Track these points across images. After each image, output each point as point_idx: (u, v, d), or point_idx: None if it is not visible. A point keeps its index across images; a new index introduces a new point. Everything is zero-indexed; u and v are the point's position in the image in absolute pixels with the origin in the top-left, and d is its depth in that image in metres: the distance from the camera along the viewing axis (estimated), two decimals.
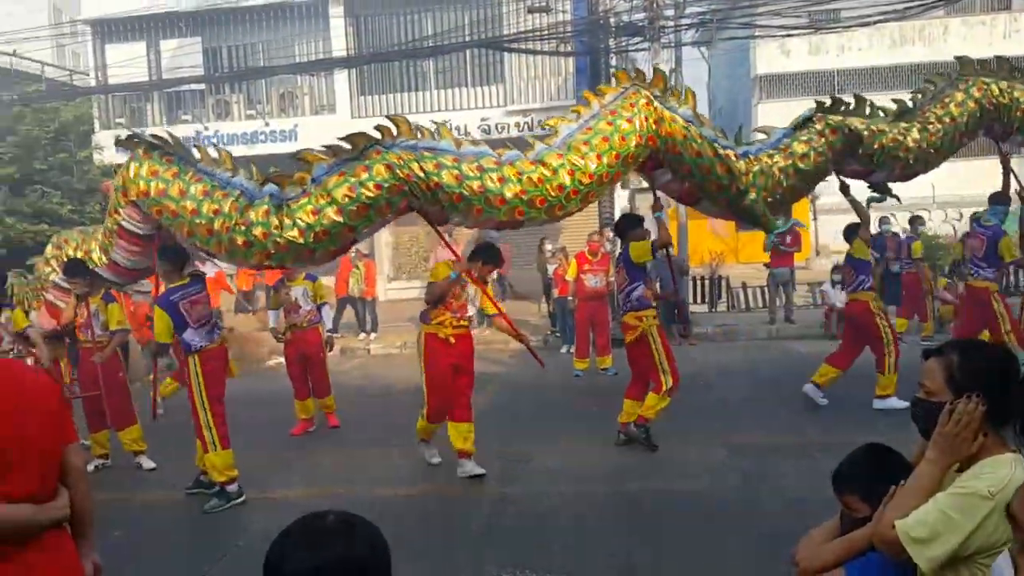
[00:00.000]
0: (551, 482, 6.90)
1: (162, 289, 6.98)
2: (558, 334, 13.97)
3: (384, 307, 16.29)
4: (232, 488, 6.75)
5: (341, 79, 20.40)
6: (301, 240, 5.93)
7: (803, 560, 2.51)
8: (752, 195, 6.92)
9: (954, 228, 21.34)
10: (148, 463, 7.99)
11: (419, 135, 6.21)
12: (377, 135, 6.12)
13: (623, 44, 15.56)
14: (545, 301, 15.35)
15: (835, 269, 14.37)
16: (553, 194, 6.19)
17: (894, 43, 23.98)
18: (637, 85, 6.73)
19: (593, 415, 9.13)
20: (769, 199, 7.09)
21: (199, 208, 6.09)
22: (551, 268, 14.21)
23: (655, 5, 15.00)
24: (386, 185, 5.95)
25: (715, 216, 8.11)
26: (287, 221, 5.92)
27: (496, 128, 19.51)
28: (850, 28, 19.15)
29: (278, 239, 5.94)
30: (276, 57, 20.43)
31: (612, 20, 15.94)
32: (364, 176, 5.94)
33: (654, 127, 6.54)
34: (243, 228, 5.96)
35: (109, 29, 21.37)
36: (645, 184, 9.73)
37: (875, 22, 17.72)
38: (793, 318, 14.51)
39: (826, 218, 24.17)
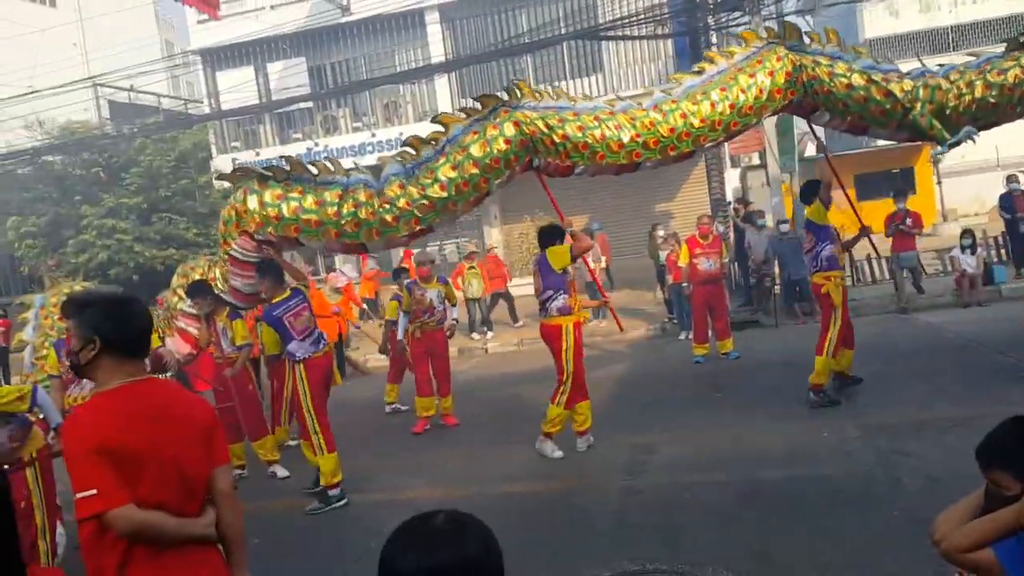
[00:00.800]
0: (678, 472, 6.80)
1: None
2: (675, 321, 13.78)
3: (500, 304, 16.42)
4: (334, 492, 6.96)
5: (442, 84, 20.71)
6: (444, 194, 6.74)
7: (945, 540, 2.33)
8: (917, 109, 7.05)
9: None
10: (282, 471, 8.30)
11: (538, 96, 7.06)
12: (505, 97, 7.00)
13: (723, 21, 15.17)
14: (660, 288, 15.15)
15: (964, 233, 13.65)
16: (665, 134, 6.91)
17: None
18: (771, 42, 7.21)
19: (715, 401, 8.97)
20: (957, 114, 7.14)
21: (340, 209, 6.82)
22: (663, 254, 14.01)
23: None
24: (515, 140, 6.78)
25: (889, 139, 8.25)
26: (427, 180, 6.74)
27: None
28: None
29: (423, 201, 6.75)
30: (378, 69, 20.91)
31: None
32: (495, 132, 6.77)
33: (788, 79, 7.08)
34: (386, 207, 6.74)
35: (218, 57, 22.33)
36: (757, 161, 9.38)
37: None
38: (922, 285, 13.77)
39: (951, 181, 23.02)
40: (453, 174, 6.75)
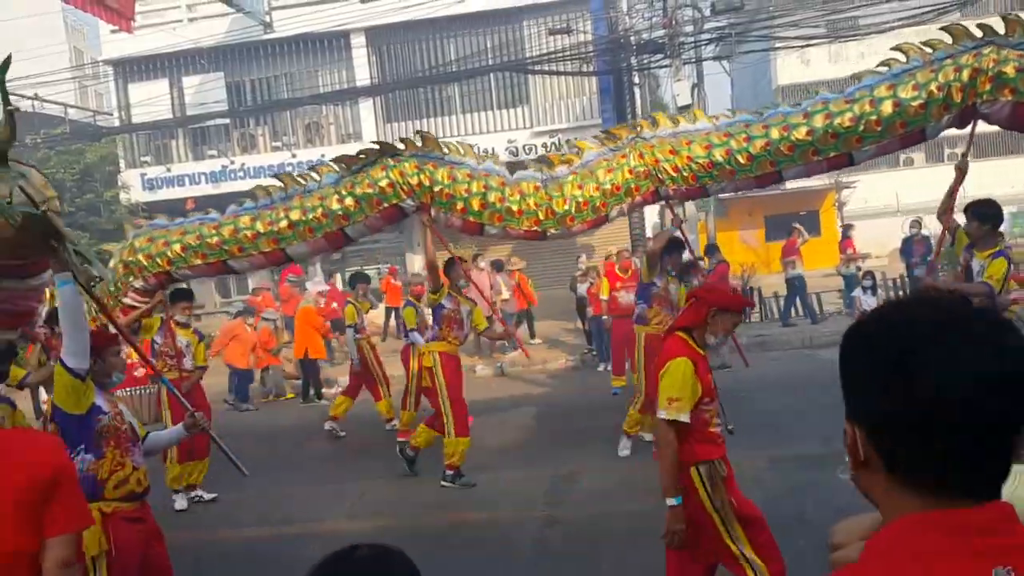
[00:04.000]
0: (598, 502, 6.89)
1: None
2: (595, 352, 13.96)
3: None
4: (451, 474, 7.63)
5: (366, 107, 20.65)
6: (564, 208, 7.17)
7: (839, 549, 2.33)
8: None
9: None
10: (183, 503, 7.96)
11: (654, 127, 7.32)
12: (636, 130, 7.35)
13: (645, 62, 15.61)
14: (580, 320, 15.36)
15: (866, 275, 14.29)
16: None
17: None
18: (634, 137, 7.32)
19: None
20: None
21: (470, 187, 7.15)
22: (582, 287, 14.22)
23: (674, 23, 15.08)
24: (638, 171, 7.14)
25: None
26: (555, 194, 7.18)
27: (524, 150, 19.64)
28: (868, 35, 19.15)
29: (548, 207, 7.18)
30: (300, 88, 20.71)
31: (633, 39, 16.02)
32: (623, 162, 7.15)
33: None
34: (517, 198, 7.17)
35: (131, 69, 21.76)
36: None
37: (892, 28, 17.73)
38: (820, 319, 14.49)
39: (857, 223, 24.06)
40: (576, 192, 7.19)
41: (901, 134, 6.58)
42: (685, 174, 7.06)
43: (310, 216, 7.20)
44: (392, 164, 7.14)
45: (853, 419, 1.21)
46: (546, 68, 17.39)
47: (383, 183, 7.11)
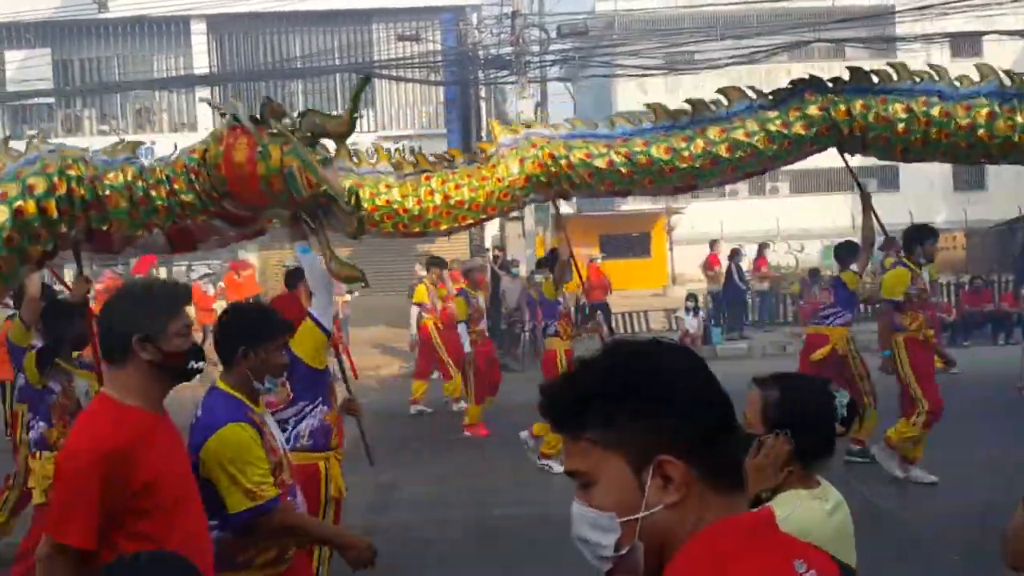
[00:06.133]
0: (422, 510, 6.95)
1: None
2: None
3: None
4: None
5: (203, 96, 19.88)
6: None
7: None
8: None
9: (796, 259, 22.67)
10: None
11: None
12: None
13: (491, 76, 15.89)
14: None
15: (689, 297, 15.10)
16: None
17: (743, 85, 25.41)
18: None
19: (460, 440, 9.26)
20: None
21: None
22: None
23: (520, 41, 15.43)
24: (819, 121, 6.19)
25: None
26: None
27: (367, 154, 19.48)
28: (702, 70, 20.31)
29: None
30: (133, 72, 19.72)
31: (481, 53, 16.26)
32: (796, 115, 6.18)
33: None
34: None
35: None
36: (516, 212, 9.69)
37: (724, 65, 18.90)
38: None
39: (681, 248, 25.24)
40: (744, 139, 6.24)
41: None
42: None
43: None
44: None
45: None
46: (393, 73, 17.35)
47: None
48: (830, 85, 6.26)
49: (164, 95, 20.22)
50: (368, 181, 6.58)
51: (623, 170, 6.55)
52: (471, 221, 7.04)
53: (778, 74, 25.19)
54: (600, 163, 6.65)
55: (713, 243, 17.90)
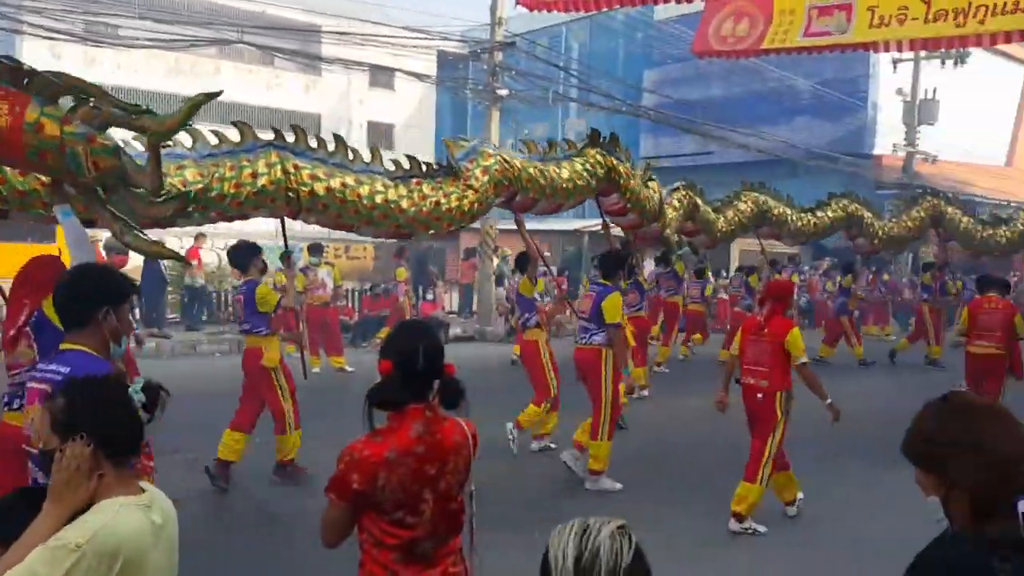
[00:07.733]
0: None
1: None
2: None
3: None
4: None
5: None
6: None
7: None
8: None
9: None
10: None
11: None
12: None
13: None
14: None
15: None
16: None
17: (170, 71, 24.54)
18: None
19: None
20: None
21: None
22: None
23: None
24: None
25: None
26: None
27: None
28: (122, 47, 18.97)
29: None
30: None
31: None
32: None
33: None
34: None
35: None
36: None
37: (144, 46, 17.88)
38: None
39: None
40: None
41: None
42: None
43: None
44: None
45: None
46: None
47: None
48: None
49: None
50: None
51: None
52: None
53: (206, 68, 24.83)
54: None
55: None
